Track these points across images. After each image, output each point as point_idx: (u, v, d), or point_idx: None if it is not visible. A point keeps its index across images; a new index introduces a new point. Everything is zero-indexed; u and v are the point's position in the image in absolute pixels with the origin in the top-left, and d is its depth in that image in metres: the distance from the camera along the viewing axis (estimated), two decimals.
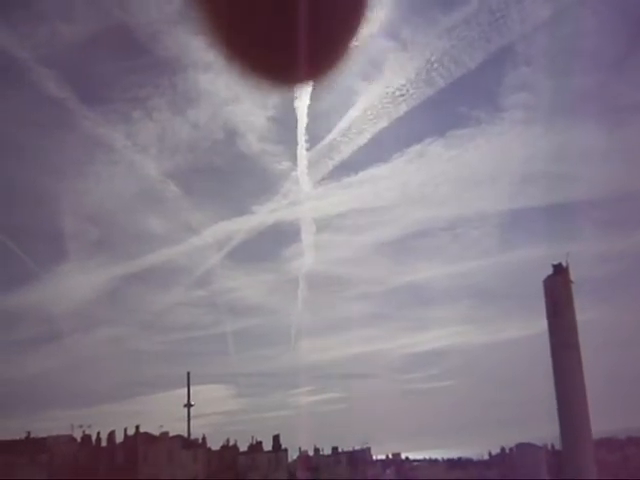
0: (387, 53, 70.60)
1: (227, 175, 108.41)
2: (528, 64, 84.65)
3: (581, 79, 74.16)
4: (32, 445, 53.66)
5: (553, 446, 51.54)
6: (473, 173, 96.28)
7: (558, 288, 31.52)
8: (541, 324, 35.89)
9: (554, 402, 33.82)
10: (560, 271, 32.14)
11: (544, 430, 48.71)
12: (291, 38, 2.10)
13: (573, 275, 33.39)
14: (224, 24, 2.11)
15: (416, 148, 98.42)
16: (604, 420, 50.83)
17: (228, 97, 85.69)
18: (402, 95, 66.13)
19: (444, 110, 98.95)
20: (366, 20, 2.15)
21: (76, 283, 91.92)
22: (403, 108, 67.94)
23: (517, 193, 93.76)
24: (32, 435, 54.75)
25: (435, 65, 64.71)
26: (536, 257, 70.31)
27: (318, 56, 2.21)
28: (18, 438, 54.08)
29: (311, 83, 2.27)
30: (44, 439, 54.71)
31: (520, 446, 54.24)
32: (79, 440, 56.51)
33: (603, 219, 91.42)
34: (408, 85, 66.60)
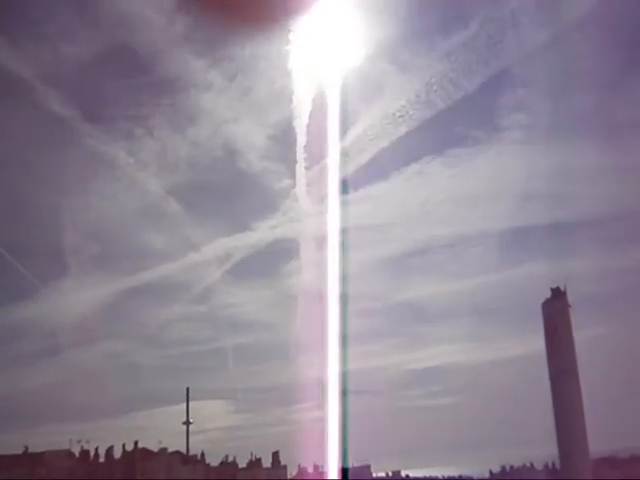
0: (388, 76, 73.05)
1: (227, 192, 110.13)
2: (526, 86, 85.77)
3: (578, 99, 75.55)
4: (30, 460, 53.31)
5: (554, 465, 51.22)
6: (472, 191, 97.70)
7: (556, 313, 31.32)
8: (542, 343, 35.79)
9: (553, 421, 33.67)
10: (558, 295, 31.97)
11: (545, 448, 48.48)
12: None
13: (573, 293, 33.28)
14: None
15: (415, 167, 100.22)
16: (605, 439, 50.47)
17: (228, 117, 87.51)
18: (402, 116, 68.05)
19: (443, 130, 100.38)
20: None
21: (76, 298, 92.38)
22: (403, 129, 70.08)
23: (516, 212, 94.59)
24: (30, 450, 54.25)
25: (434, 87, 66.65)
26: (537, 275, 70.65)
27: None
28: (16, 453, 53.69)
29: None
30: (42, 454, 54.29)
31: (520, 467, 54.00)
32: (77, 455, 56.22)
33: (603, 237, 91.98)
34: (408, 106, 68.49)
